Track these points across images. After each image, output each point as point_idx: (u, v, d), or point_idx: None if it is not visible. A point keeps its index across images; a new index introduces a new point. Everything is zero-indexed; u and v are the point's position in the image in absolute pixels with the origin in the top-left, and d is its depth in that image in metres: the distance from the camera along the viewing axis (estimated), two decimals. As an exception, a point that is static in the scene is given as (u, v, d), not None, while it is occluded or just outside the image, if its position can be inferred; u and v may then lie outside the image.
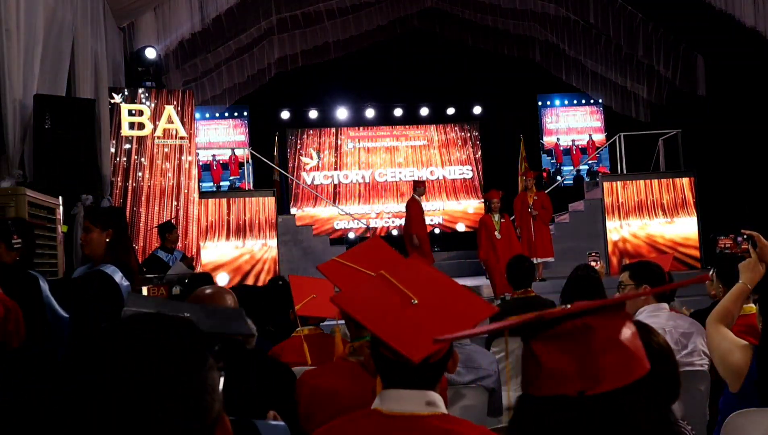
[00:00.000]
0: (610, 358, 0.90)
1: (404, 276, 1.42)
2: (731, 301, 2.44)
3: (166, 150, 8.10)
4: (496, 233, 7.98)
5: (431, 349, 1.30)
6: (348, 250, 2.18)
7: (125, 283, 3.17)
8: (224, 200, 9.26)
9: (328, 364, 2.10)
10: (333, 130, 13.67)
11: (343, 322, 2.32)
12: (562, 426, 0.90)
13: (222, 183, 12.27)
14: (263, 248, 9.17)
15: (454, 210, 13.66)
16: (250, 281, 9.07)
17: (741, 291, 2.45)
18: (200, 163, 11.01)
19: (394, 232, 13.42)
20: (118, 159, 7.80)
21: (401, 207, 13.68)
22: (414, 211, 9.06)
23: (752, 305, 2.76)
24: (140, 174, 7.91)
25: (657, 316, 2.93)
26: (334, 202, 13.19)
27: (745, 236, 2.56)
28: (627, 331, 0.95)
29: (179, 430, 0.79)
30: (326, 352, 2.72)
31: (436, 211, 13.55)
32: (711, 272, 3.52)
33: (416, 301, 1.36)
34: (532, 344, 0.94)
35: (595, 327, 0.91)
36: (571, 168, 13.12)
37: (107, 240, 3.16)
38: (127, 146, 7.88)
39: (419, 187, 9.25)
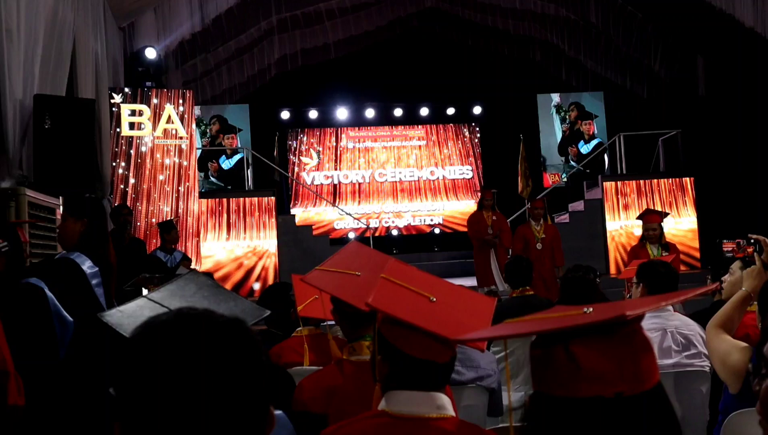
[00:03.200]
0: (645, 359, 0.92)
1: (405, 278, 1.41)
2: (733, 308, 2.41)
3: (166, 150, 8.10)
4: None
5: (473, 337, 1.32)
6: (329, 258, 2.15)
7: (92, 270, 2.97)
8: (224, 200, 9.26)
9: (329, 366, 2.10)
10: (333, 130, 13.66)
11: (333, 322, 2.30)
12: (599, 427, 0.90)
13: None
14: (263, 249, 9.17)
15: (454, 210, 13.65)
16: (250, 281, 9.08)
17: (743, 298, 2.42)
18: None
19: (394, 233, 13.41)
20: (118, 159, 7.81)
21: (401, 207, 13.69)
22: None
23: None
24: (140, 174, 7.91)
25: (659, 316, 2.93)
26: (334, 202, 13.17)
27: (752, 240, 2.52)
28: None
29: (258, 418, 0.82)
30: (327, 353, 2.72)
31: (436, 211, 13.55)
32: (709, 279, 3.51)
33: (434, 299, 1.35)
34: (571, 346, 0.91)
35: (637, 329, 0.93)
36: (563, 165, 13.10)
37: (81, 229, 3.01)
38: (127, 146, 7.88)
39: (485, 197, 8.13)
